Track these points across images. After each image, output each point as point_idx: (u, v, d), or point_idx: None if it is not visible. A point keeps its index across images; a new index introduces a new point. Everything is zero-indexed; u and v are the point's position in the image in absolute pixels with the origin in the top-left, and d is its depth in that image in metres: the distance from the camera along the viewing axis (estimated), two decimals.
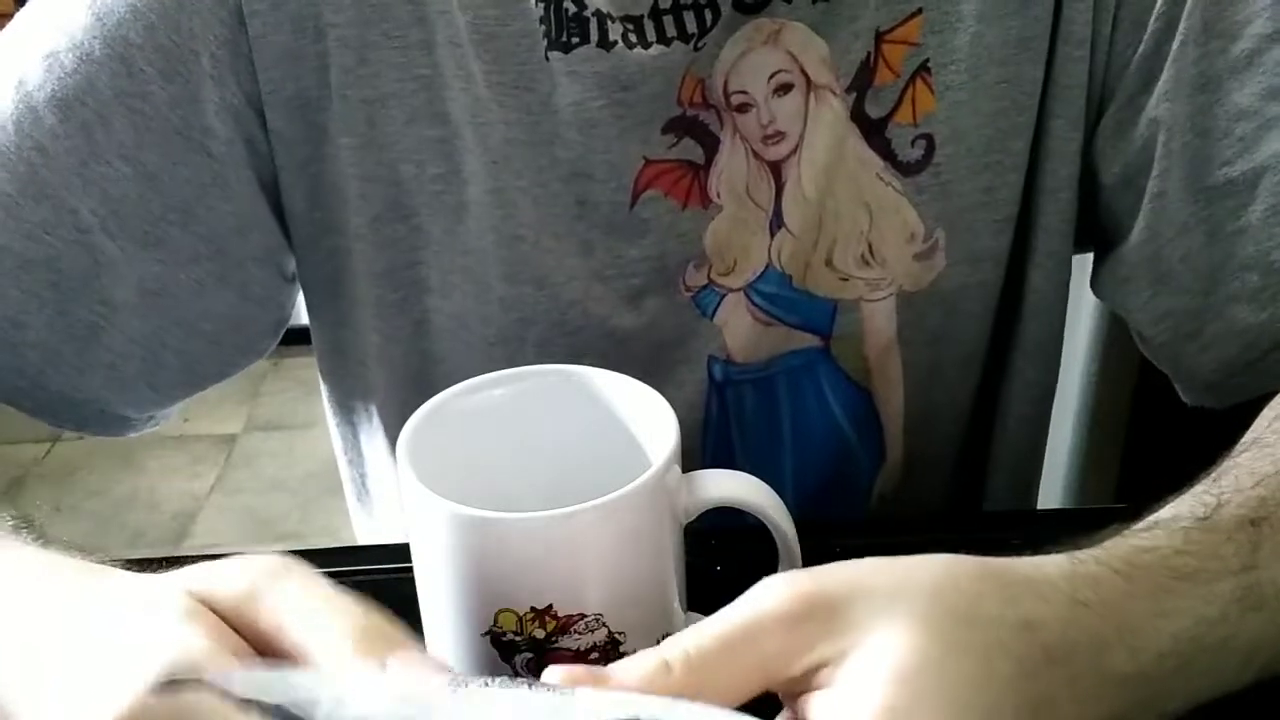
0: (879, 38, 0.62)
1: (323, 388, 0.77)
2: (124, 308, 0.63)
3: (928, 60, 0.62)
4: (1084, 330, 1.34)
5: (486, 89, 0.61)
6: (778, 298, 0.66)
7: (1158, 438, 1.34)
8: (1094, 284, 0.70)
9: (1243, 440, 0.53)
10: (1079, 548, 0.44)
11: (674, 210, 0.63)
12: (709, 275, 0.65)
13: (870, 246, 0.65)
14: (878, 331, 0.67)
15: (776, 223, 0.64)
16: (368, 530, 0.82)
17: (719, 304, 0.66)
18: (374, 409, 0.73)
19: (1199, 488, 0.49)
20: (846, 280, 0.66)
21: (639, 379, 0.62)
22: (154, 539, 2.10)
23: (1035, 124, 0.64)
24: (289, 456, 2.34)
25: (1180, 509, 0.47)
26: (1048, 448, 0.81)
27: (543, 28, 0.60)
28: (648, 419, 0.52)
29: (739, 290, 0.66)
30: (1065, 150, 0.64)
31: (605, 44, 0.60)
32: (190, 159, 0.61)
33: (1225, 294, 0.61)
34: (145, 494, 2.23)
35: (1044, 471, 0.84)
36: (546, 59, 0.60)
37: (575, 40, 0.60)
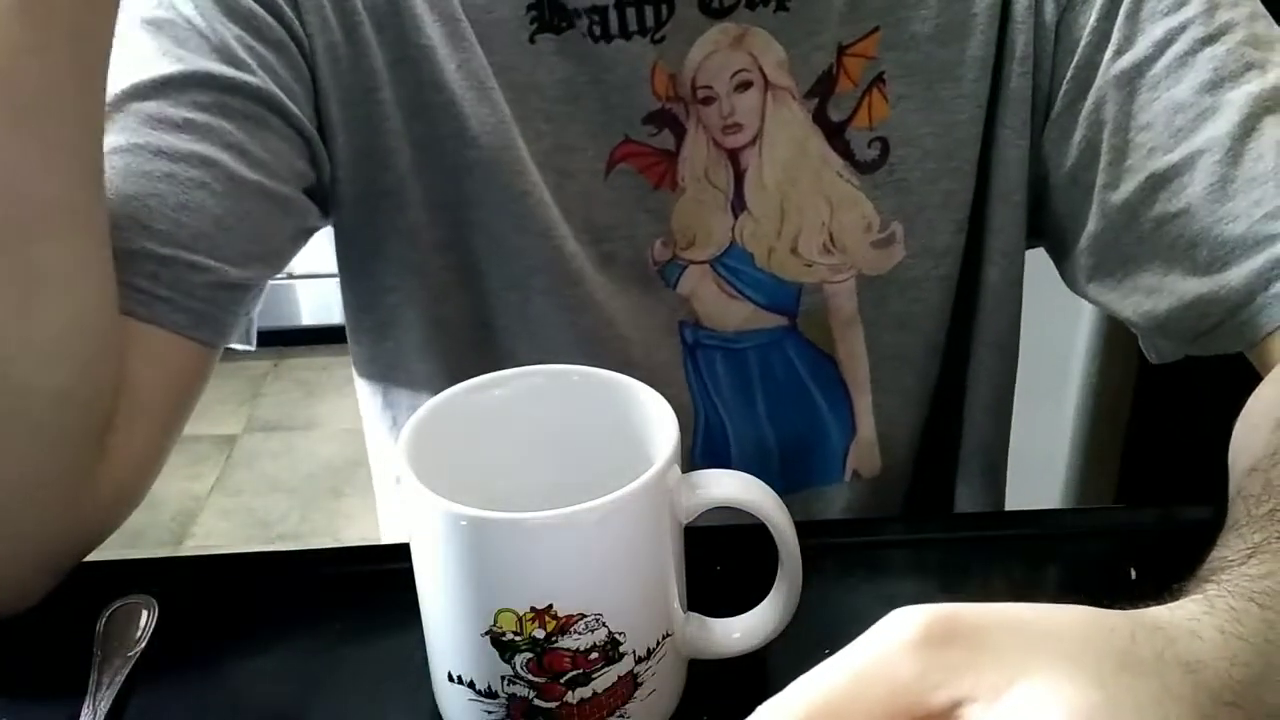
0: (840, 51, 0.69)
1: (359, 385, 0.80)
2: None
3: (883, 73, 0.69)
4: (1084, 330, 1.34)
5: (481, 65, 0.66)
6: (743, 274, 0.73)
7: (1158, 438, 1.35)
8: (1063, 278, 0.74)
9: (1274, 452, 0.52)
10: (1182, 593, 0.42)
11: (645, 187, 0.70)
12: (674, 250, 0.72)
13: (831, 236, 0.72)
14: (840, 308, 0.74)
15: (739, 205, 0.71)
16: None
17: (681, 275, 0.72)
18: (412, 391, 0.75)
19: (1254, 509, 0.48)
20: (810, 265, 0.73)
21: (620, 338, 0.71)
22: (154, 539, 2.10)
23: (986, 134, 0.71)
24: (289, 457, 2.34)
25: (1261, 532, 0.46)
26: (1047, 448, 0.82)
27: (531, 14, 0.66)
28: (648, 419, 0.52)
29: (704, 263, 0.72)
30: (1013, 157, 0.70)
31: (589, 32, 0.67)
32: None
33: (1179, 270, 0.65)
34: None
35: (1044, 471, 0.84)
36: (533, 41, 0.67)
37: (564, 25, 0.67)
